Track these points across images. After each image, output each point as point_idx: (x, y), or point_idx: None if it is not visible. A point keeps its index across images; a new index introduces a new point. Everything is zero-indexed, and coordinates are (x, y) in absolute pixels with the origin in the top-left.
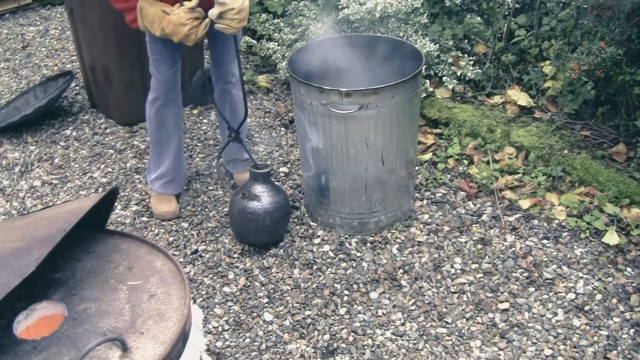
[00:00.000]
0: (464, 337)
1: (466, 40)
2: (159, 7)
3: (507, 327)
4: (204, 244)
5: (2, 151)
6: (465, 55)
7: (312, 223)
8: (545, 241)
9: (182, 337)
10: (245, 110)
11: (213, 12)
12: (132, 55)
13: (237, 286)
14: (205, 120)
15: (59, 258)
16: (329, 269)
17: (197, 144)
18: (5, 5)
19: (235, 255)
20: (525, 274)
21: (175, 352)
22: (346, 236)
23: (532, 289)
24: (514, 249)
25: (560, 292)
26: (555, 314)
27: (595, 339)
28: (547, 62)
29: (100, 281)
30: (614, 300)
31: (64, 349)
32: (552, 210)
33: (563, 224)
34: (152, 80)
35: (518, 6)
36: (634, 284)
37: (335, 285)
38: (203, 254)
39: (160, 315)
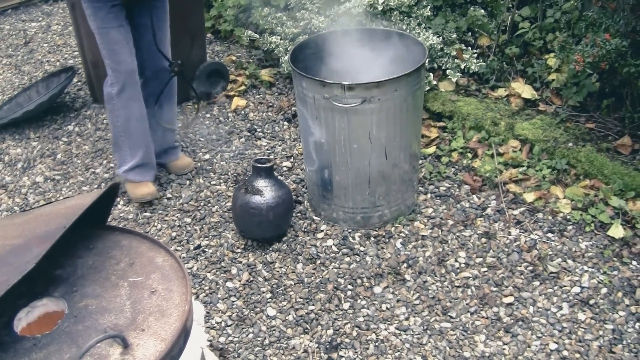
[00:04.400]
0: (469, 332)
1: (470, 33)
2: None
3: (512, 321)
4: (206, 239)
5: (5, 147)
6: (469, 48)
7: (315, 217)
8: (550, 234)
9: (184, 334)
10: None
11: None
12: None
13: (240, 281)
14: (207, 115)
15: (60, 255)
16: (333, 264)
17: (200, 138)
18: (7, 1)
19: (238, 250)
20: (530, 268)
21: (177, 349)
22: (349, 230)
23: (536, 283)
24: (518, 242)
25: (565, 286)
26: (560, 308)
27: (601, 333)
28: (552, 54)
29: (101, 278)
30: (619, 294)
31: (64, 346)
32: (556, 204)
33: (568, 217)
34: (112, 73)
35: None
36: (639, 278)
37: (339, 279)
38: (206, 249)
39: (161, 311)
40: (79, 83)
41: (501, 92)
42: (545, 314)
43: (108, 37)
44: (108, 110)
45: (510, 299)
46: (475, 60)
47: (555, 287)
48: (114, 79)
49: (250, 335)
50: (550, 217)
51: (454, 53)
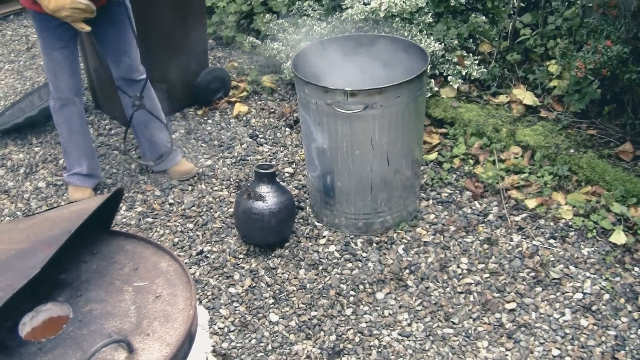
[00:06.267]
0: (471, 338)
1: (471, 40)
2: None
3: (514, 327)
4: (209, 244)
5: (7, 152)
6: (470, 54)
7: (317, 223)
8: (552, 241)
9: (188, 338)
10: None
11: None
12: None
13: (242, 287)
14: (209, 121)
15: (64, 259)
16: (335, 270)
17: (202, 144)
18: (9, 6)
19: (241, 256)
20: (532, 274)
21: (182, 354)
22: (352, 236)
23: (539, 289)
24: (520, 248)
25: (567, 292)
26: (563, 314)
27: (603, 339)
28: (553, 61)
29: (106, 282)
30: (622, 300)
31: (69, 351)
32: (558, 210)
33: (570, 223)
34: (53, 89)
35: (523, 5)
36: None
37: (341, 285)
38: (208, 255)
39: (166, 316)
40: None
41: (502, 98)
42: (547, 320)
43: (50, 57)
44: (54, 121)
45: (512, 305)
46: (476, 67)
47: (558, 293)
48: (55, 96)
49: (253, 341)
50: (552, 224)
51: (455, 59)
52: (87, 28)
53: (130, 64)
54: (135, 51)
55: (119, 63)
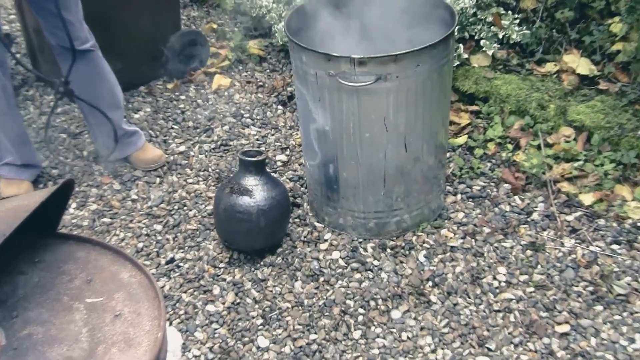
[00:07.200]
0: None
1: None
2: None
3: (569, 356)
4: (182, 251)
5: None
6: (509, 12)
7: (317, 224)
8: (615, 246)
9: None
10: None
11: None
12: (88, 15)
13: (224, 304)
14: (182, 97)
15: None
16: (340, 282)
17: (173, 126)
18: None
19: (222, 265)
20: (590, 288)
21: None
22: (360, 240)
23: (599, 308)
24: (574, 256)
25: (637, 312)
26: (632, 341)
27: None
28: (617, 18)
29: (50, 299)
30: None
31: None
32: (623, 207)
33: (638, 224)
34: None
35: None
36: None
37: (348, 301)
38: (181, 264)
39: (127, 340)
40: (18, 55)
41: (550, 67)
42: (612, 347)
43: None
44: None
45: (565, 328)
46: (517, 28)
47: (625, 314)
48: None
49: None
50: (614, 225)
51: (490, 19)
52: None
53: (69, 29)
54: (75, 13)
55: (52, 28)
